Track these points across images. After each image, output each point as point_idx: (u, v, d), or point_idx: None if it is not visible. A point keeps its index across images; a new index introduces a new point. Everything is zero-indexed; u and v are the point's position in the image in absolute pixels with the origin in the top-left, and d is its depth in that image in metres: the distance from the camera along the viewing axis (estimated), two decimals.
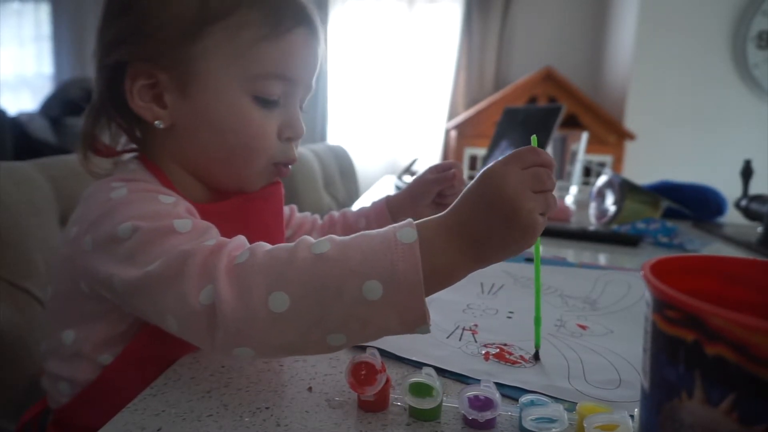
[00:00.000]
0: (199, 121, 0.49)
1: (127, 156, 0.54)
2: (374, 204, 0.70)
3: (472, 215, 0.37)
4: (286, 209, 0.68)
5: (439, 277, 0.37)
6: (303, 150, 1.63)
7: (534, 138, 0.41)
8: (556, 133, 1.35)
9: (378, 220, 0.69)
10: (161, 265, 0.38)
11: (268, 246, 0.39)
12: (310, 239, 0.38)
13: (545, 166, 0.38)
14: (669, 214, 1.19)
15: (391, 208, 0.68)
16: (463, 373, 0.41)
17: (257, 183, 0.54)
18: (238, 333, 0.36)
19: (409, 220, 0.38)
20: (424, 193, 0.65)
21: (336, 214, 0.73)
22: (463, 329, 0.50)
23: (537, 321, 0.45)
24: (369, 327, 0.36)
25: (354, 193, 2.09)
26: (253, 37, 0.47)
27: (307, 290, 0.35)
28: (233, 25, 0.47)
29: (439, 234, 0.37)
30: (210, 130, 0.49)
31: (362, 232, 0.38)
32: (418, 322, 0.36)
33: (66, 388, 0.49)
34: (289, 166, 0.55)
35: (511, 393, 0.38)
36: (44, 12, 3.52)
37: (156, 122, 0.49)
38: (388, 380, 0.36)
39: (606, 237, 0.98)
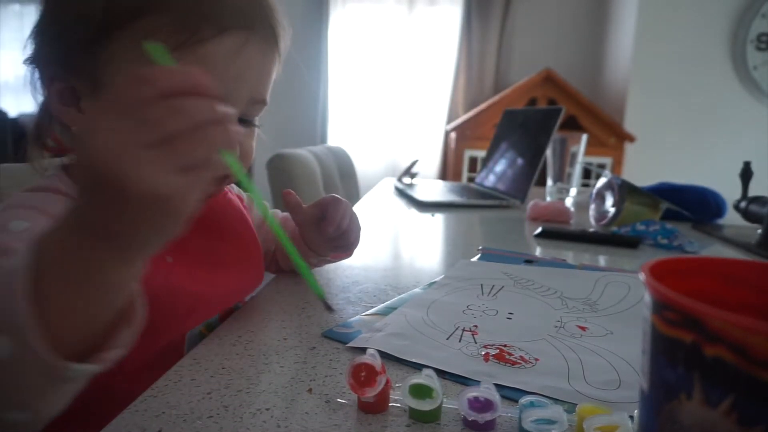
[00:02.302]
0: None
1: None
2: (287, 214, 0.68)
3: (84, 200, 0.28)
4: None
5: (75, 292, 0.28)
6: (302, 152, 1.63)
7: (151, 47, 0.30)
8: (556, 135, 1.35)
9: (293, 229, 0.66)
10: None
11: None
12: None
13: (168, 94, 0.26)
14: (668, 215, 1.19)
15: (297, 224, 0.65)
16: (463, 375, 0.41)
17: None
18: None
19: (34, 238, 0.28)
20: (308, 223, 0.63)
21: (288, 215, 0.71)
22: (463, 330, 0.50)
23: (302, 268, 0.37)
24: (17, 392, 0.29)
25: (354, 195, 2.08)
26: None
27: None
28: (141, 30, 0.41)
29: (58, 238, 0.28)
30: None
31: None
32: (58, 368, 0.28)
33: None
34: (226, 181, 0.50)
35: (510, 394, 0.39)
36: None
37: (74, 128, 0.45)
38: (388, 382, 0.36)
39: (606, 239, 0.98)
